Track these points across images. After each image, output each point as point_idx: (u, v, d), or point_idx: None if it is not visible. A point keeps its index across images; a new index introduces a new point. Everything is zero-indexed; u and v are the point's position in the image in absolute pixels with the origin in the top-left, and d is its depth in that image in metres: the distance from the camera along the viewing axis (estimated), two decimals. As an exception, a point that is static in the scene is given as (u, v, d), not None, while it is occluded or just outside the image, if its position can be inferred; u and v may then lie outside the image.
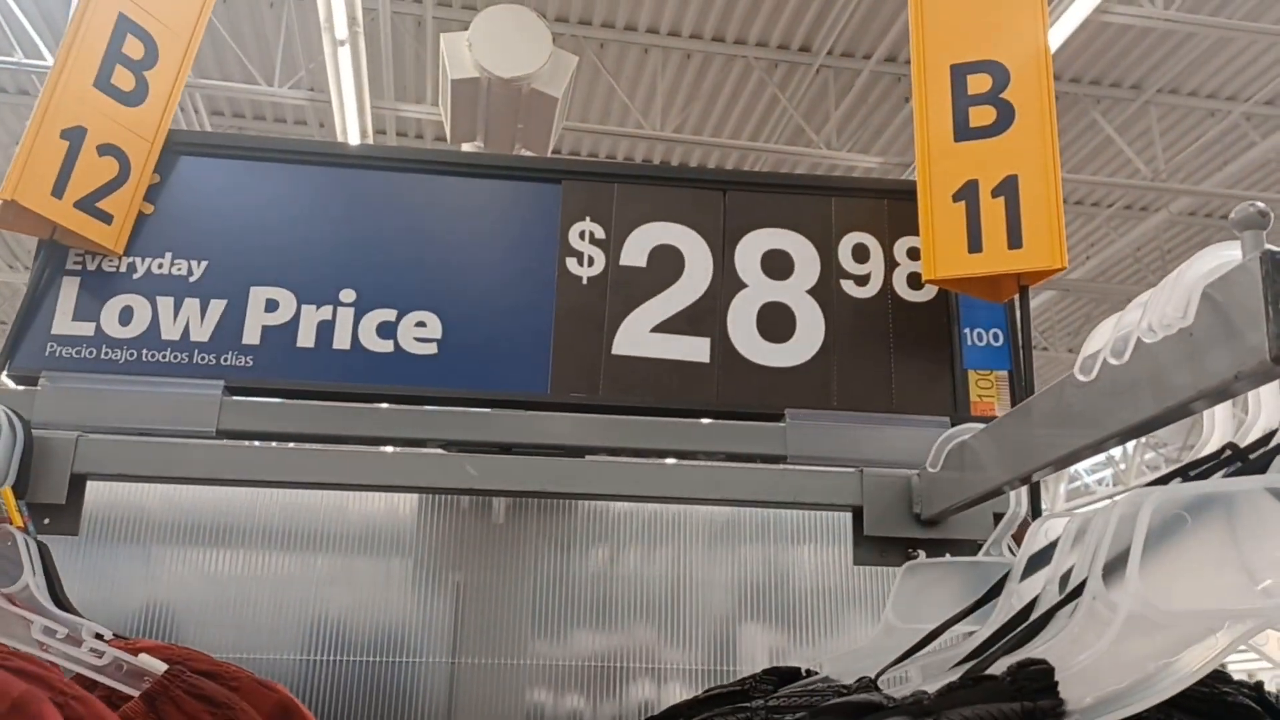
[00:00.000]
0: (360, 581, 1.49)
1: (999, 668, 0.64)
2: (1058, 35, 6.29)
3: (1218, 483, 0.69)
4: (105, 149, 1.55)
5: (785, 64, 7.91)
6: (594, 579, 1.54)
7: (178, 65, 1.66)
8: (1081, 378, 0.87)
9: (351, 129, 6.90)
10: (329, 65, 6.38)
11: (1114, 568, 0.67)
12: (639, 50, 7.79)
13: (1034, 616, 0.75)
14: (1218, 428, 0.82)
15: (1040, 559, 0.85)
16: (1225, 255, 0.74)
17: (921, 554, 1.42)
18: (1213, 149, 8.69)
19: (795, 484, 1.53)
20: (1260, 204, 0.74)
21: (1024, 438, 1.09)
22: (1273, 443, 0.72)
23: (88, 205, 1.53)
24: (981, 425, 1.26)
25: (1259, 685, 0.89)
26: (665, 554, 1.57)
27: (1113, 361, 0.81)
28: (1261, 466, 0.71)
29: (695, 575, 1.56)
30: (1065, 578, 0.76)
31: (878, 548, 1.48)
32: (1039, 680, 0.60)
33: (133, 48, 1.60)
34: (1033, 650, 0.68)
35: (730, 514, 1.59)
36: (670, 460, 1.59)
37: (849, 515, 1.51)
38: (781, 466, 1.56)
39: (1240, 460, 0.75)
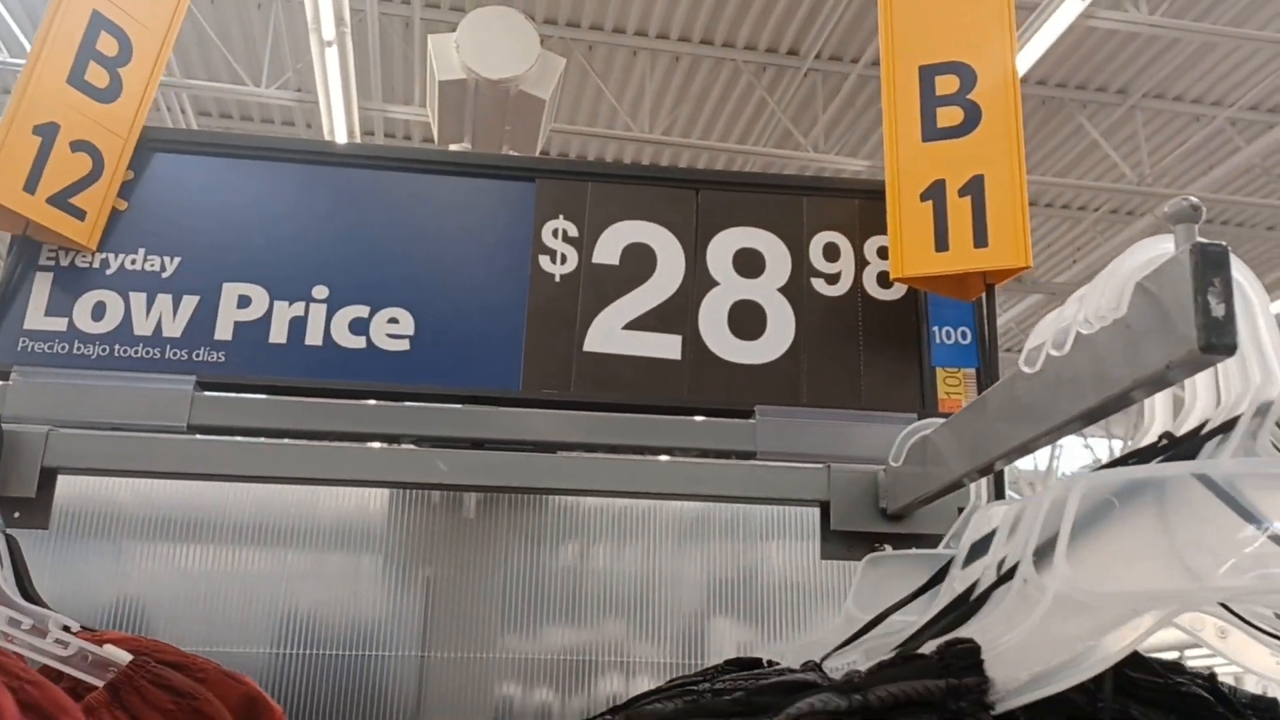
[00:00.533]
0: (331, 575, 1.50)
1: (929, 647, 0.66)
2: (1043, 40, 6.32)
3: (1147, 468, 0.71)
4: (78, 145, 1.56)
5: (773, 67, 7.94)
6: (564, 573, 1.55)
7: (152, 62, 1.67)
8: (1027, 370, 0.88)
9: (339, 130, 6.91)
10: (316, 66, 6.39)
11: (1046, 552, 0.68)
12: (627, 52, 7.81)
13: (971, 600, 0.76)
14: (1158, 416, 0.84)
15: (983, 546, 0.87)
16: (1160, 248, 0.76)
17: (888, 547, 1.43)
18: (1198, 154, 8.75)
19: (764, 479, 1.54)
20: (1194, 199, 0.75)
21: (980, 430, 1.10)
22: (1203, 431, 0.74)
23: (61, 201, 1.53)
24: (943, 420, 1.27)
25: (1212, 675, 0.91)
26: (635, 549, 1.58)
27: (1054, 353, 0.83)
28: (1192, 453, 0.73)
29: (665, 570, 1.58)
30: (1002, 563, 0.77)
31: (845, 542, 1.49)
32: (965, 658, 0.62)
33: (106, 44, 1.61)
34: (966, 631, 0.69)
35: (700, 509, 1.61)
36: (641, 456, 1.60)
37: (817, 510, 1.53)
38: (751, 462, 1.58)
39: (1176, 448, 0.77)
